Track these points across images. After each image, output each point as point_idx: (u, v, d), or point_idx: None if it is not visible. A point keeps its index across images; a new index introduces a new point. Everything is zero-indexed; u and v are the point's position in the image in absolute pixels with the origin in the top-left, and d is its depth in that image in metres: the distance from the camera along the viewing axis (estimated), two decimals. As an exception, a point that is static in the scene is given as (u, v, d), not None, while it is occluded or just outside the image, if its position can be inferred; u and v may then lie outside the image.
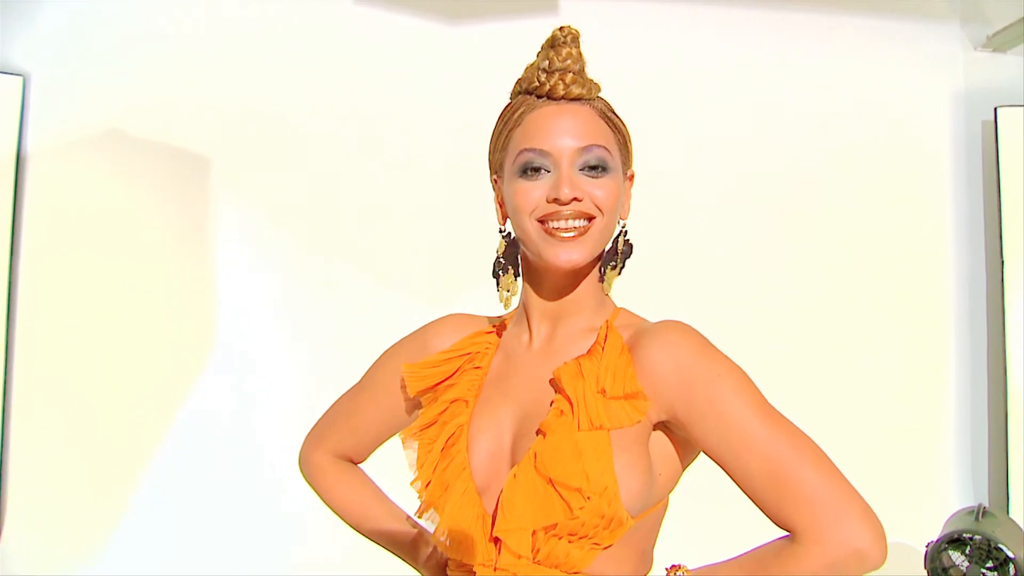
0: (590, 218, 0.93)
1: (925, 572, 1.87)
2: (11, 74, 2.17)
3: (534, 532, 0.88)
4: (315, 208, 2.31)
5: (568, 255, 0.92)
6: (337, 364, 2.25)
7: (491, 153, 1.02)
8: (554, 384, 0.95)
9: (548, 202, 0.92)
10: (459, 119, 2.27)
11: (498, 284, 1.02)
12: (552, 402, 0.93)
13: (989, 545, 1.79)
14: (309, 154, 2.31)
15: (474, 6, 2.31)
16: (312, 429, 1.20)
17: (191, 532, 2.19)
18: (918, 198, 2.44)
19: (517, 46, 2.59)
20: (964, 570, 1.83)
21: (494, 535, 0.89)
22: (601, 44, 2.52)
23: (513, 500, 0.88)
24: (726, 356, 0.91)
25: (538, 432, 0.92)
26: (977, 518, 1.84)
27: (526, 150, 0.94)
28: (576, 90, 0.94)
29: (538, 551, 0.88)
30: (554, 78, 0.94)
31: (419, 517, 0.99)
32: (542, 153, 0.93)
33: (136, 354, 2.23)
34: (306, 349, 2.28)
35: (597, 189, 0.93)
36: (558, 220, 0.92)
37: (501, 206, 1.02)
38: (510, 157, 0.96)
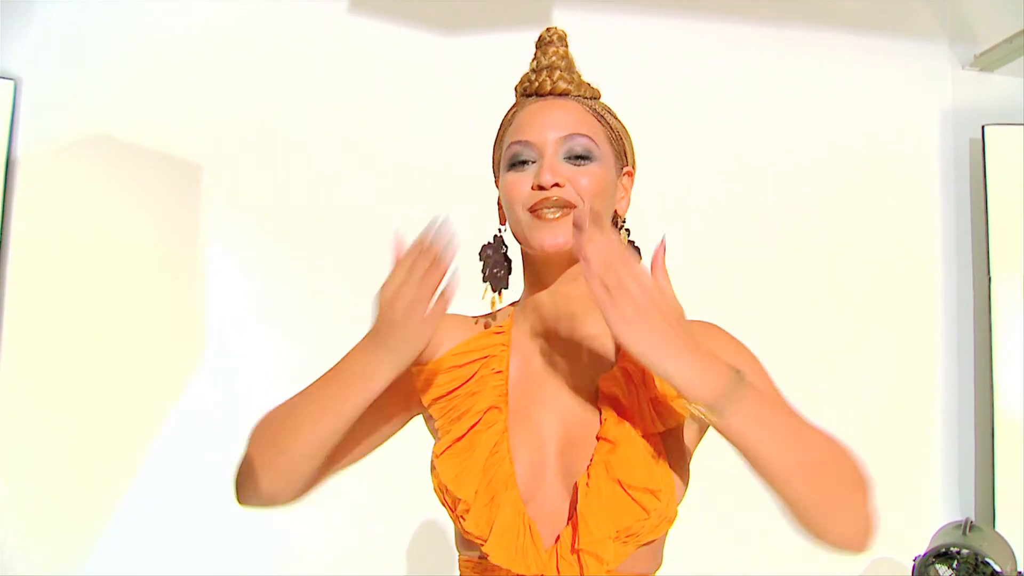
0: (574, 207, 0.94)
1: (912, 586, 1.87)
2: (2, 78, 2.16)
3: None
4: (305, 214, 2.31)
5: (553, 238, 0.93)
6: (326, 368, 2.26)
7: (492, 155, 1.05)
8: (601, 391, 0.96)
9: (533, 190, 0.94)
10: (451, 128, 2.27)
11: (485, 276, 1.02)
12: (600, 409, 0.95)
13: (976, 559, 1.79)
14: (300, 161, 2.31)
15: (468, 16, 2.32)
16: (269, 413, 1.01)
17: (180, 535, 2.17)
18: (906, 215, 2.46)
19: (510, 56, 2.60)
20: (951, 584, 1.84)
21: (577, 548, 0.87)
22: (593, 55, 2.53)
23: (589, 511, 0.88)
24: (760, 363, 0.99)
25: (599, 439, 0.93)
26: (964, 532, 1.84)
27: (513, 143, 0.97)
28: (563, 85, 0.97)
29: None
30: (542, 75, 0.98)
31: (464, 534, 0.93)
32: (528, 144, 0.95)
33: (125, 358, 2.21)
34: (295, 354, 2.28)
35: (581, 177, 0.94)
36: (544, 206, 0.94)
37: (500, 206, 1.04)
38: (503, 154, 0.99)
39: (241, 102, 2.29)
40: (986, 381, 2.32)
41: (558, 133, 0.95)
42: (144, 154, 2.25)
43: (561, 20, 2.32)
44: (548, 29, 1.01)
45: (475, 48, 2.31)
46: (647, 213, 2.33)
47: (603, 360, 0.99)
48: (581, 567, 0.88)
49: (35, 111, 2.21)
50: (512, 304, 1.08)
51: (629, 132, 1.04)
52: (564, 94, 0.98)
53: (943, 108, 2.47)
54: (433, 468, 0.96)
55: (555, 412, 0.96)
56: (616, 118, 1.02)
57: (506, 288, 1.03)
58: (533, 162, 0.95)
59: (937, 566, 1.86)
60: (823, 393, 2.37)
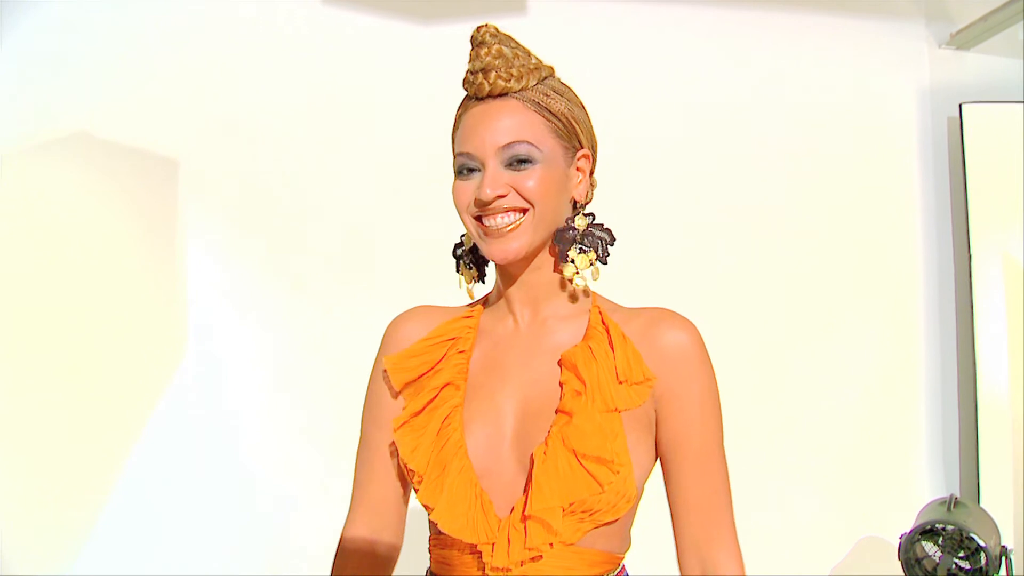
0: (523, 210, 0.96)
1: (899, 563, 1.88)
2: (-26, 78, 2.14)
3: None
4: (283, 208, 2.30)
5: (503, 252, 0.96)
6: (307, 364, 2.26)
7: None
8: (563, 366, 0.98)
9: (476, 201, 0.96)
10: (428, 119, 2.25)
11: (457, 268, 1.07)
12: (561, 384, 0.97)
13: (961, 535, 1.81)
14: (277, 155, 2.29)
15: (442, 6, 2.30)
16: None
17: (171, 533, 2.17)
18: (885, 194, 2.47)
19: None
20: (937, 560, 1.85)
21: (528, 513, 0.91)
22: (569, 43, 2.53)
23: (544, 479, 0.91)
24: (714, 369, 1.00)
25: (558, 412, 0.95)
26: (949, 508, 1.86)
27: (458, 154, 0.98)
28: (501, 84, 0.96)
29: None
30: (478, 78, 0.97)
31: (419, 500, 0.98)
32: (470, 156, 0.97)
33: (108, 355, 2.21)
34: (276, 349, 2.28)
35: (526, 180, 0.95)
36: (490, 218, 0.96)
37: None
38: (453, 161, 1.01)
39: (217, 97, 2.28)
40: (968, 359, 2.34)
41: (497, 143, 0.95)
42: (121, 151, 2.24)
43: (536, 8, 2.30)
44: (479, 28, 0.99)
45: (451, 38, 2.29)
46: (629, 196, 2.34)
47: (568, 340, 1.01)
48: (526, 533, 0.91)
49: (11, 109, 2.19)
50: (484, 296, 1.11)
51: (584, 109, 1.04)
52: (503, 94, 0.96)
53: (920, 87, 2.48)
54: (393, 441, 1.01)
55: (515, 388, 0.99)
56: (566, 99, 1.00)
57: (481, 281, 1.07)
58: (478, 170, 0.97)
59: (923, 543, 1.87)
60: (807, 375, 2.39)
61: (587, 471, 0.91)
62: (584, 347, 0.98)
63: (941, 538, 1.84)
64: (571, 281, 0.99)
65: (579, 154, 1.02)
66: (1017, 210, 2.32)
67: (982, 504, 2.14)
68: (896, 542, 1.89)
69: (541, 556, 0.92)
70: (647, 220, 2.32)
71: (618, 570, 1.00)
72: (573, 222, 1.01)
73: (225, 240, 2.29)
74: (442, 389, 1.01)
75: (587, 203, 1.06)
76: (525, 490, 0.94)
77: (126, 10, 2.26)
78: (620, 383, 0.95)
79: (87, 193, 2.23)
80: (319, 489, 2.20)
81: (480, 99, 0.97)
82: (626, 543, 1.01)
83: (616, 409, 0.95)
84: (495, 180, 0.94)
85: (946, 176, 2.47)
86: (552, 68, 1.03)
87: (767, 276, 2.39)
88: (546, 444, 0.93)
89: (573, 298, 1.03)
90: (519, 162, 0.95)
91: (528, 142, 0.95)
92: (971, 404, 2.32)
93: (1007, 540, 1.94)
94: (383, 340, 1.09)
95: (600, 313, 1.01)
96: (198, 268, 2.27)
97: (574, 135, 1.01)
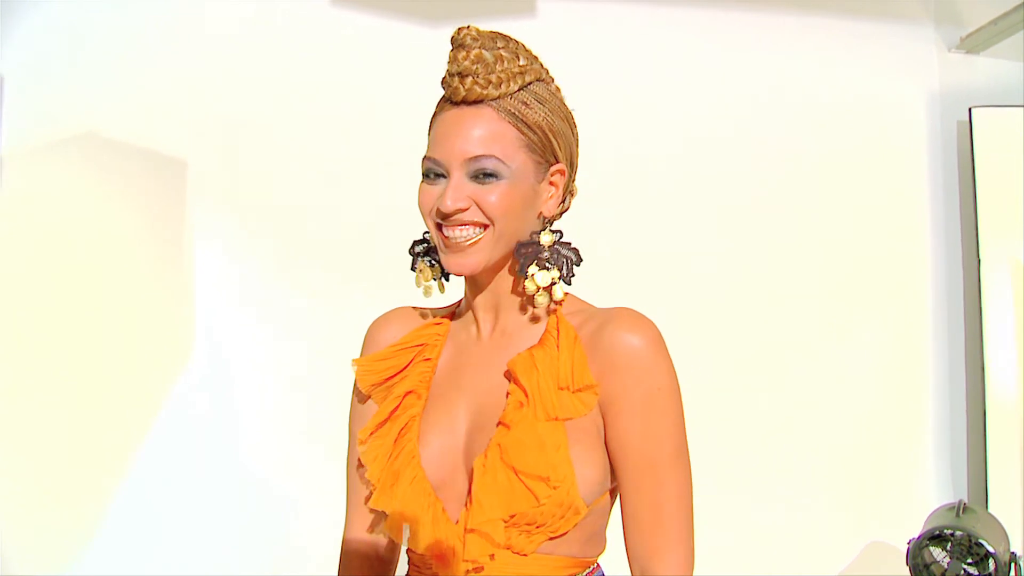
0: (484, 226, 0.93)
1: (907, 569, 1.88)
2: (-14, 76, 2.15)
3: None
4: (292, 209, 2.30)
5: (459, 265, 0.95)
6: (314, 365, 2.26)
7: None
8: (508, 376, 0.96)
9: (437, 211, 0.94)
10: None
11: (413, 266, 1.05)
12: (508, 394, 0.95)
13: (970, 541, 1.80)
14: (285, 156, 2.30)
15: (451, 7, 2.30)
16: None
17: (175, 534, 2.18)
18: (894, 198, 2.46)
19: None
20: (945, 566, 1.84)
21: (469, 527, 0.90)
22: (579, 45, 2.53)
23: (482, 492, 0.90)
24: (674, 369, 0.94)
25: (499, 424, 0.93)
26: (958, 514, 1.85)
27: (426, 158, 0.97)
28: (477, 91, 0.92)
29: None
30: (455, 81, 0.93)
31: (368, 506, 0.98)
32: (436, 162, 0.95)
33: (115, 356, 2.21)
34: (284, 350, 2.28)
35: (489, 195, 0.92)
36: (450, 228, 0.94)
37: None
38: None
39: (226, 98, 2.28)
40: (977, 364, 2.33)
41: (465, 154, 0.92)
42: (129, 151, 2.24)
43: (545, 10, 2.31)
44: (460, 30, 0.95)
45: (460, 40, 2.30)
46: (636, 197, 2.33)
47: (523, 346, 0.98)
48: (464, 545, 0.90)
49: (19, 108, 2.20)
50: (460, 300, 1.10)
51: (568, 119, 0.99)
52: (479, 101, 0.93)
53: (930, 91, 2.47)
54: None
55: (469, 398, 0.98)
56: (547, 109, 0.96)
57: (445, 278, 1.05)
58: (443, 176, 0.95)
59: (931, 548, 1.86)
60: (816, 379, 2.38)
61: (525, 485, 0.88)
62: (527, 355, 0.95)
63: (950, 544, 1.83)
64: (532, 301, 0.97)
65: (553, 169, 0.97)
66: (1027, 215, 2.31)
67: (990, 510, 2.13)
68: (903, 547, 1.88)
69: (482, 568, 0.90)
70: (654, 221, 2.32)
71: (588, 571, 0.96)
72: (538, 237, 0.97)
73: (233, 240, 2.29)
74: (404, 397, 1.00)
75: (559, 216, 1.02)
76: (466, 503, 0.92)
77: (134, 10, 2.27)
78: (560, 390, 0.92)
79: (95, 193, 2.24)
80: (323, 490, 2.20)
81: (455, 103, 0.94)
82: (598, 546, 0.98)
83: (558, 418, 0.91)
84: (457, 192, 0.92)
85: (955, 180, 2.46)
86: (542, 70, 0.99)
87: (777, 279, 2.39)
88: (485, 456, 0.91)
89: (543, 306, 0.99)
90: (485, 175, 0.92)
91: (496, 157, 0.92)
92: (979, 409, 2.31)
93: (1016, 546, 1.93)
94: (364, 344, 1.09)
95: (558, 317, 0.98)
96: (206, 268, 2.27)
97: (549, 149, 0.96)
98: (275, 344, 2.28)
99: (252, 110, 2.28)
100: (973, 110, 2.34)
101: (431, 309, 1.09)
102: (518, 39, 0.99)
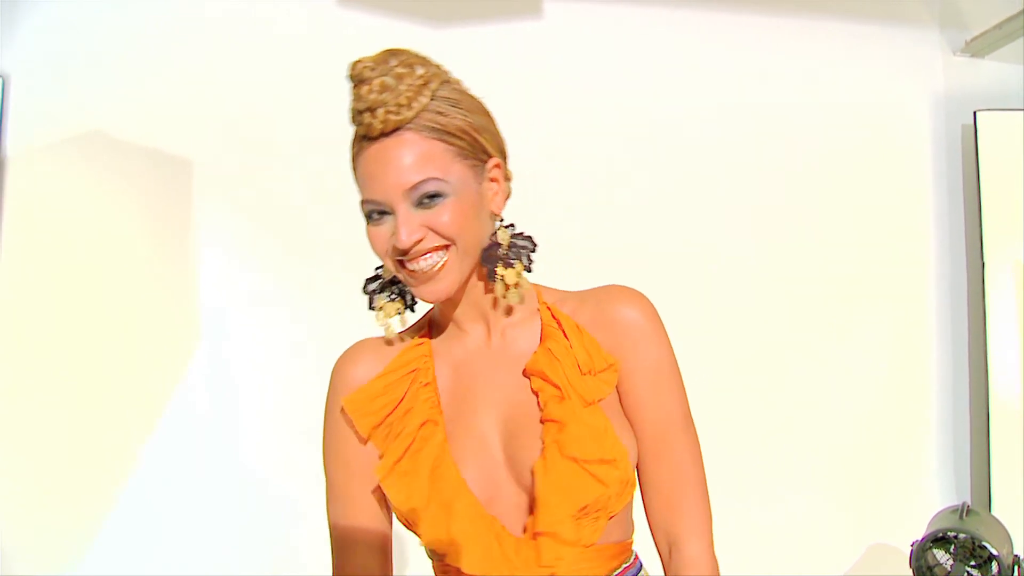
0: (445, 247, 0.92)
1: (910, 571, 1.87)
2: (-9, 76, 2.15)
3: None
4: (296, 208, 2.29)
5: (434, 293, 0.93)
6: (319, 365, 2.24)
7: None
8: (530, 375, 0.97)
9: (394, 249, 0.92)
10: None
11: (371, 305, 1.02)
12: (536, 393, 0.96)
13: (973, 543, 1.80)
14: (291, 156, 2.30)
15: (458, 9, 2.30)
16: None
17: (178, 533, 2.17)
18: (899, 200, 2.46)
19: (501, 49, 2.59)
20: (949, 568, 1.84)
21: (538, 531, 0.89)
22: (584, 45, 2.52)
23: (548, 492, 0.89)
24: (669, 339, 0.98)
25: (544, 422, 0.93)
26: (961, 516, 1.85)
27: (364, 201, 0.93)
28: (393, 119, 0.88)
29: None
30: (366, 118, 0.90)
31: (425, 546, 0.95)
32: (376, 202, 0.91)
33: (119, 355, 2.21)
34: (288, 348, 2.27)
35: (441, 216, 0.90)
36: (413, 262, 0.92)
37: None
38: (360, 205, 0.95)
39: (231, 97, 2.28)
40: (981, 367, 2.33)
41: (402, 186, 0.89)
42: (134, 150, 2.24)
43: (551, 11, 2.31)
44: (352, 67, 0.92)
45: (466, 41, 2.30)
46: (641, 197, 2.33)
47: (525, 346, 0.99)
48: (538, 552, 0.89)
49: (24, 108, 2.20)
50: (424, 316, 1.07)
51: (483, 111, 0.96)
52: (396, 128, 0.89)
53: (935, 94, 2.47)
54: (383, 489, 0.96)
55: (491, 409, 0.97)
56: (463, 110, 0.92)
57: (411, 310, 1.04)
58: (389, 213, 0.91)
59: (934, 551, 1.86)
60: (819, 381, 2.38)
61: (591, 474, 0.89)
62: (544, 350, 0.96)
63: (953, 546, 1.83)
64: (504, 297, 0.96)
65: (489, 165, 0.96)
66: (1031, 218, 2.31)
67: (993, 512, 2.13)
68: (906, 549, 1.88)
69: (555, 572, 0.90)
70: (656, 222, 2.33)
71: (632, 559, 1.00)
72: (496, 238, 0.96)
73: (237, 240, 2.29)
74: (420, 428, 0.96)
75: (504, 205, 1.00)
76: (531, 508, 0.92)
77: (139, 10, 2.27)
78: (584, 375, 0.94)
79: (99, 193, 2.23)
80: (323, 491, 2.20)
81: (373, 139, 0.90)
82: (632, 526, 1.01)
83: (592, 402, 0.94)
84: (409, 225, 0.89)
85: (960, 184, 2.46)
86: (440, 71, 0.94)
87: (781, 281, 2.39)
88: (544, 457, 0.91)
89: (522, 300, 0.99)
90: (429, 199, 0.89)
91: (434, 177, 0.89)
92: (983, 412, 2.31)
93: (1019, 549, 1.93)
94: (333, 384, 1.04)
95: (549, 309, 0.99)
96: (209, 268, 2.27)
97: (479, 148, 0.94)
98: (277, 344, 2.28)
99: (257, 110, 2.28)
100: (977, 113, 2.34)
101: (387, 337, 1.04)
102: (405, 48, 0.94)
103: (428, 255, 0.91)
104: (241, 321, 2.28)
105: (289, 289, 2.29)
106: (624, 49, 2.38)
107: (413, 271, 0.92)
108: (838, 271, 2.41)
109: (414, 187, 0.89)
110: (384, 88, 0.89)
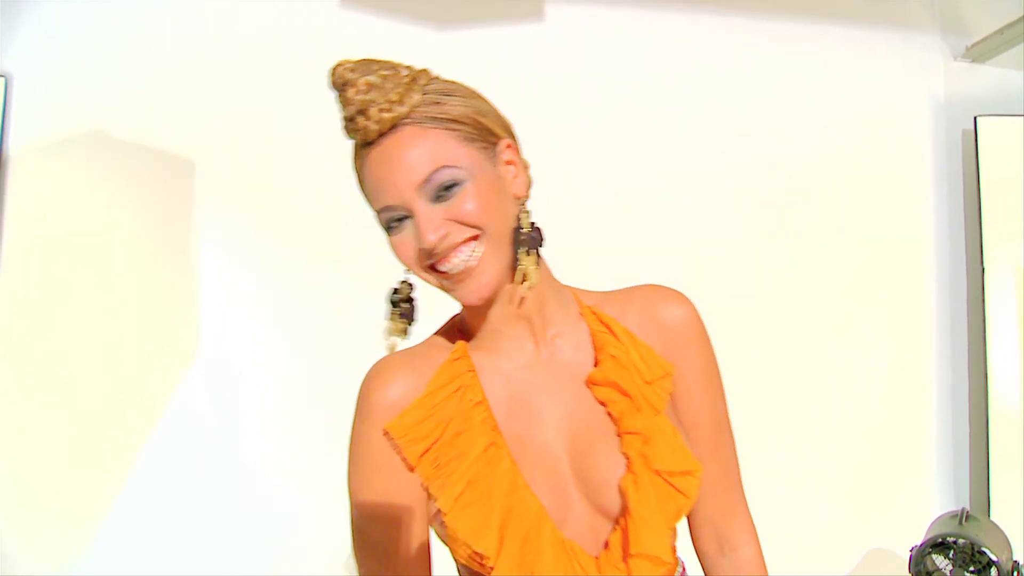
0: (475, 237, 0.85)
1: (909, 576, 1.87)
2: (-7, 75, 2.15)
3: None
4: (298, 209, 2.30)
5: (476, 292, 0.85)
6: (321, 367, 2.26)
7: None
8: (598, 385, 0.91)
9: (421, 252, 0.85)
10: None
11: (391, 316, 0.93)
12: (603, 403, 0.91)
13: (972, 548, 1.79)
14: (293, 157, 2.30)
15: (460, 11, 2.31)
16: None
17: (178, 534, 2.17)
18: (899, 206, 2.46)
19: (503, 52, 2.59)
20: (948, 574, 1.84)
21: (633, 552, 0.83)
22: (586, 48, 2.52)
23: (643, 509, 0.84)
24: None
25: (623, 435, 0.88)
26: (960, 522, 1.84)
27: (379, 211, 0.87)
28: (387, 116, 0.83)
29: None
30: (360, 122, 0.84)
31: (459, 564, 0.89)
32: (391, 207, 0.85)
33: (119, 355, 2.21)
34: (290, 352, 2.27)
35: (463, 205, 0.83)
36: (444, 263, 0.85)
37: None
38: (377, 217, 0.89)
39: (233, 98, 2.28)
40: (980, 372, 2.33)
41: (413, 182, 0.82)
42: (136, 150, 2.24)
43: (553, 14, 2.31)
44: (333, 72, 0.88)
45: (467, 43, 2.30)
46: (642, 199, 2.33)
47: (576, 354, 0.93)
48: (629, 572, 0.84)
49: (27, 107, 2.20)
50: (450, 321, 0.99)
51: (480, 97, 0.90)
52: (394, 126, 0.84)
53: (935, 99, 2.48)
54: (441, 524, 0.87)
55: (554, 426, 0.90)
56: (460, 96, 0.87)
57: (407, 335, 0.94)
58: (408, 217, 0.85)
59: (934, 556, 1.86)
60: (818, 386, 2.38)
61: (675, 487, 0.85)
62: (609, 358, 0.90)
63: (952, 551, 1.83)
64: (523, 283, 0.88)
65: (500, 146, 0.89)
66: (1031, 224, 2.31)
67: (992, 518, 2.12)
68: (905, 554, 1.88)
69: None
70: (659, 223, 2.33)
71: (680, 569, 0.97)
72: (520, 224, 0.88)
73: (239, 240, 2.29)
74: (483, 453, 0.86)
75: (529, 191, 0.92)
76: (619, 527, 0.85)
77: (142, 10, 2.27)
78: (647, 384, 0.90)
79: (101, 193, 2.24)
80: (323, 490, 2.20)
81: (372, 143, 0.85)
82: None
83: (660, 411, 0.90)
84: (431, 222, 0.82)
85: (960, 189, 2.46)
86: (425, 69, 0.89)
87: (781, 285, 2.39)
88: (632, 472, 0.85)
89: (558, 300, 0.93)
90: (446, 189, 0.83)
91: (445, 165, 0.83)
92: (982, 417, 2.31)
93: (1018, 555, 1.93)
94: (367, 408, 0.90)
95: (595, 314, 0.94)
96: (211, 268, 2.27)
97: (486, 131, 0.87)
98: (278, 345, 2.28)
99: (260, 111, 2.28)
100: (978, 119, 2.34)
101: (423, 346, 0.96)
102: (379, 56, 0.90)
103: (459, 250, 0.84)
104: (241, 321, 2.28)
105: (289, 289, 2.29)
106: (626, 52, 2.39)
107: (447, 273, 0.85)
108: (839, 276, 2.41)
109: (426, 180, 0.83)
110: (371, 87, 0.84)
